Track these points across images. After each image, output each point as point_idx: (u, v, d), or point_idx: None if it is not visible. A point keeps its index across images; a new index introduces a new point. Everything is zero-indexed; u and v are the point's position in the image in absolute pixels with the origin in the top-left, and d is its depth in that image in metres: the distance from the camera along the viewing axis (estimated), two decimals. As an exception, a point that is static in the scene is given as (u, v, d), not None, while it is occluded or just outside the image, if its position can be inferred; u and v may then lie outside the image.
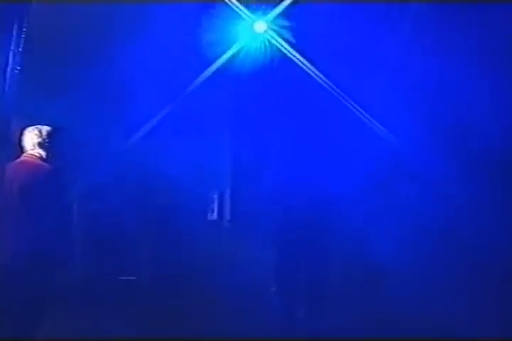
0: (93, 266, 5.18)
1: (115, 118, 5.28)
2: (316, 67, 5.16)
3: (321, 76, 5.16)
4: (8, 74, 3.04)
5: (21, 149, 3.73)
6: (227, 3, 4.92)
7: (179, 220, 5.61)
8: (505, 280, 4.54)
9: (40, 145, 3.70)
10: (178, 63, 5.15)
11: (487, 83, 4.71)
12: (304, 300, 5.01)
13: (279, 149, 5.34)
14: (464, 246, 4.73)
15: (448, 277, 4.66)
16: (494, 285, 4.54)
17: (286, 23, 5.08)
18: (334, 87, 5.16)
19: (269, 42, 5.15)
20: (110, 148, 5.25)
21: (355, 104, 5.15)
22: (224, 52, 5.19)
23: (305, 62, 5.15)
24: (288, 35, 5.12)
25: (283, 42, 5.13)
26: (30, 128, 3.75)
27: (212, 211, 5.79)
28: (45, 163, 3.68)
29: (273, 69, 5.17)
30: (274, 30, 5.12)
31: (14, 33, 3.06)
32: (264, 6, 5.06)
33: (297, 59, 5.15)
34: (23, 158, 3.68)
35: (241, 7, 4.97)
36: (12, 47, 3.07)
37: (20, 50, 3.13)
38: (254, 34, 5.15)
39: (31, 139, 3.71)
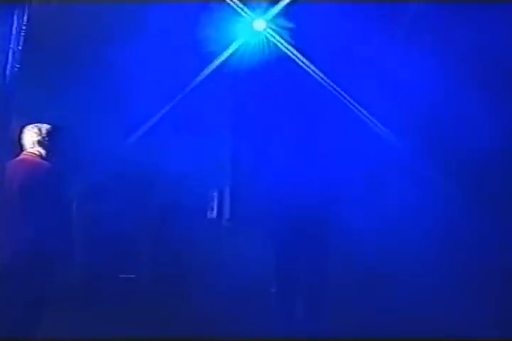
0: (93, 265, 5.18)
1: (114, 117, 5.28)
2: (314, 66, 5.17)
3: (320, 74, 5.16)
4: (7, 73, 3.04)
5: (21, 147, 3.72)
6: (226, 2, 4.92)
7: (178, 218, 5.61)
8: (504, 280, 4.55)
9: (40, 143, 3.69)
10: (177, 61, 5.15)
11: (487, 83, 4.73)
12: (303, 300, 5.01)
13: (278, 147, 5.34)
14: (463, 247, 4.75)
15: (448, 277, 4.67)
16: (494, 285, 4.55)
17: (285, 21, 5.08)
18: (333, 85, 5.16)
19: (268, 40, 5.16)
20: (110, 147, 5.25)
21: (354, 103, 5.16)
22: (223, 51, 5.20)
23: (304, 60, 5.16)
24: (287, 33, 5.12)
25: (282, 41, 5.14)
26: (29, 127, 3.74)
27: (212, 209, 5.79)
28: (44, 162, 3.66)
29: (272, 67, 5.17)
30: (273, 29, 5.12)
31: (14, 31, 3.07)
32: (263, 4, 5.06)
33: (296, 57, 5.16)
34: (22, 156, 3.67)
35: (240, 5, 4.97)
36: (12, 46, 3.07)
37: (20, 48, 3.13)
38: (253, 32, 5.15)
39: (31, 137, 3.70)
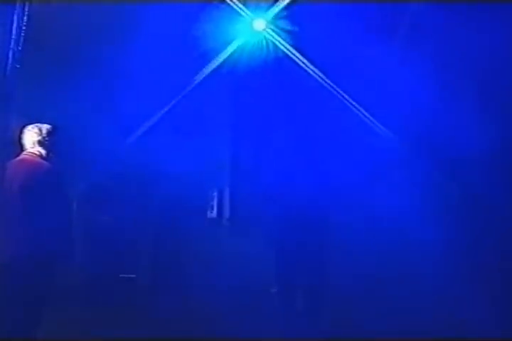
0: (93, 265, 5.18)
1: (114, 117, 5.27)
2: (314, 66, 5.17)
3: (320, 74, 5.16)
4: (7, 73, 3.04)
5: (21, 147, 3.72)
6: (226, 2, 4.93)
7: (178, 218, 5.61)
8: (505, 280, 4.55)
9: (40, 143, 3.69)
10: (177, 62, 5.15)
11: (487, 83, 4.74)
12: (304, 300, 5.01)
13: (278, 147, 5.34)
14: (464, 247, 4.75)
15: (448, 277, 4.66)
16: (494, 285, 4.55)
17: (284, 21, 5.08)
18: (333, 85, 5.16)
19: (268, 40, 5.16)
20: (109, 146, 5.25)
21: (353, 102, 5.16)
22: (223, 51, 5.20)
23: (304, 60, 5.16)
24: (286, 33, 5.12)
25: (282, 41, 5.14)
26: (30, 127, 3.75)
27: (212, 209, 5.79)
28: (44, 161, 3.67)
29: (272, 67, 5.18)
30: (272, 29, 5.12)
31: (14, 31, 3.07)
32: (263, 4, 5.06)
33: (296, 57, 5.16)
34: (22, 156, 3.68)
35: (240, 5, 4.97)
36: (12, 46, 3.07)
37: (20, 48, 3.13)
38: (253, 32, 5.15)
39: (31, 137, 3.71)
